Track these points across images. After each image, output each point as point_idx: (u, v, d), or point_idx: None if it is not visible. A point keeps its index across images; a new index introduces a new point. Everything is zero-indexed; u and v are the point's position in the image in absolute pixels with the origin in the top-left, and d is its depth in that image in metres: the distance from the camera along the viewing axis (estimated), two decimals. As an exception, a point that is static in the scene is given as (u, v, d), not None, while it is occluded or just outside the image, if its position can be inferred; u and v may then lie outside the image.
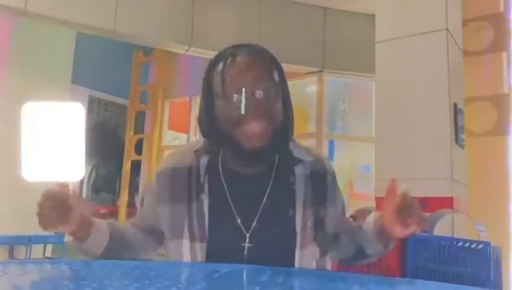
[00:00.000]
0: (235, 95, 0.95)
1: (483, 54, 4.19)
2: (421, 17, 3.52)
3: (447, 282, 2.31)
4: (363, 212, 1.22)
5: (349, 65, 5.57)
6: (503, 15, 4.25)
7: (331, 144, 6.11)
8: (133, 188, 8.08)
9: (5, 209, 4.89)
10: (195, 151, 1.04)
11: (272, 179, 1.02)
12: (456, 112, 3.38)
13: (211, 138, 1.03)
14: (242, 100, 0.94)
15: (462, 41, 3.77)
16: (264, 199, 0.99)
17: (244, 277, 0.82)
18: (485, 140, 4.08)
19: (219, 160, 1.04)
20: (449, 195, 3.17)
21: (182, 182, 1.02)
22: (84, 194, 8.85)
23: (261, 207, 0.99)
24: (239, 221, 0.98)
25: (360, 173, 6.11)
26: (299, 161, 1.05)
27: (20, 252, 5.32)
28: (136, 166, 8.02)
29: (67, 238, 5.56)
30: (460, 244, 2.50)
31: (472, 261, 2.42)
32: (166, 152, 7.75)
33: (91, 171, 9.13)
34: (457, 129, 3.37)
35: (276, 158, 1.05)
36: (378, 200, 3.29)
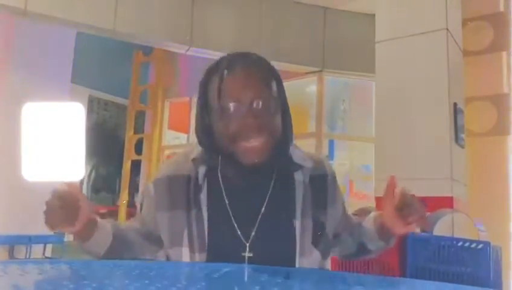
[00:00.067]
0: (233, 109, 0.92)
1: (483, 54, 4.19)
2: (421, 17, 3.52)
3: (447, 282, 2.31)
4: (364, 212, 1.21)
5: (349, 65, 5.58)
6: (503, 15, 4.25)
7: (331, 144, 6.11)
8: (133, 188, 8.09)
9: (5, 209, 4.89)
10: (193, 160, 1.02)
11: (270, 187, 1.00)
12: (456, 111, 3.38)
13: (208, 150, 1.00)
14: (240, 114, 0.91)
15: (462, 41, 3.77)
16: (263, 207, 0.98)
17: (245, 277, 0.82)
18: (485, 140, 4.08)
19: (218, 169, 1.01)
20: (449, 195, 3.17)
21: (181, 190, 1.00)
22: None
23: (260, 216, 0.97)
24: (238, 230, 0.96)
25: (360, 173, 6.11)
26: (299, 167, 1.03)
27: (20, 252, 5.33)
28: (136, 166, 8.03)
29: (67, 238, 5.58)
30: (460, 244, 2.50)
31: (472, 261, 2.42)
32: (166, 152, 7.76)
33: (91, 171, 9.14)
34: (457, 129, 3.37)
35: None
36: (378, 200, 3.29)
